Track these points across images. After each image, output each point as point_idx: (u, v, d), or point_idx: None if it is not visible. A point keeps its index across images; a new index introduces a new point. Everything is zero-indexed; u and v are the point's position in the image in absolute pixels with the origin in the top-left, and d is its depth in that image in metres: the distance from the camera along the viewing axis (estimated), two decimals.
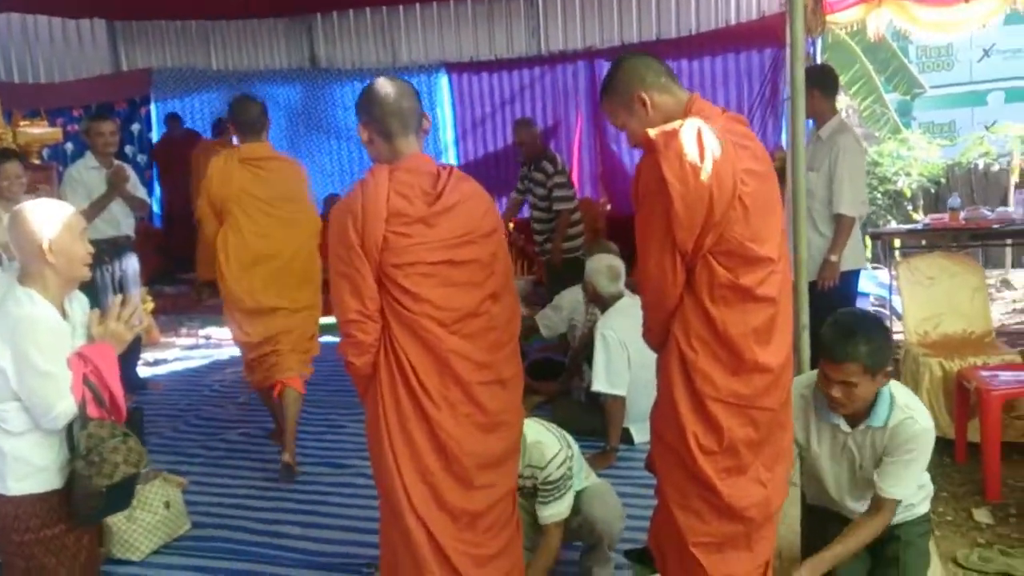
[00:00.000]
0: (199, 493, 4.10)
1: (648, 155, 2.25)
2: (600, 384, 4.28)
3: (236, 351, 6.60)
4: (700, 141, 2.19)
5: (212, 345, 7.04)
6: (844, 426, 2.74)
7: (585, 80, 8.48)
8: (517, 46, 9.04)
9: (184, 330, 7.28)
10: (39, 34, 10.47)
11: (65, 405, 2.35)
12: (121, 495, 2.52)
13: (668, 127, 2.25)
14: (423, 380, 2.40)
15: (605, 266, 4.54)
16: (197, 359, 6.68)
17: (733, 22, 8.15)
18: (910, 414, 2.68)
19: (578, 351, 4.99)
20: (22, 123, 6.74)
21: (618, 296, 4.49)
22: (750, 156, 2.28)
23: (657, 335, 2.42)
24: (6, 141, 6.09)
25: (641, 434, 4.26)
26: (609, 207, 8.55)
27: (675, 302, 2.30)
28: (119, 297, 2.60)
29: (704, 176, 2.16)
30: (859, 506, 2.81)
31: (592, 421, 4.41)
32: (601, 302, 4.56)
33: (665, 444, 2.41)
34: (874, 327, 2.66)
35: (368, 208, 2.35)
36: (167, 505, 3.63)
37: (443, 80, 9.03)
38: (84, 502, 2.43)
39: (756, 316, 2.29)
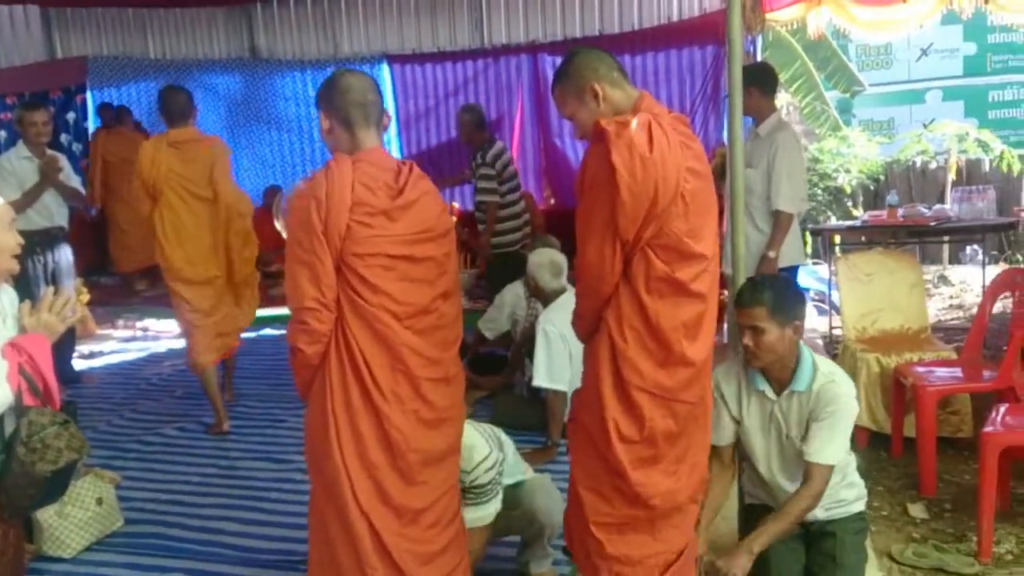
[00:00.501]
0: (133, 489, 4.01)
1: (597, 144, 2.29)
2: (541, 379, 4.30)
3: (174, 344, 6.54)
4: (650, 134, 2.26)
5: (150, 338, 6.91)
6: (770, 393, 2.84)
7: (528, 74, 8.47)
8: (460, 39, 8.99)
9: (121, 322, 7.12)
10: None
11: (2, 394, 2.29)
12: (57, 484, 2.46)
13: (620, 118, 2.31)
14: (375, 373, 2.40)
15: (547, 260, 4.55)
16: (134, 352, 6.55)
17: (675, 18, 8.21)
18: (832, 378, 2.81)
19: (520, 345, 5.00)
20: None
21: (560, 291, 4.51)
22: (693, 156, 2.36)
23: (588, 323, 2.48)
24: None
25: None
26: (552, 201, 8.57)
27: (611, 290, 2.36)
28: (51, 288, 2.54)
29: (651, 168, 2.23)
30: (792, 487, 2.87)
31: (533, 416, 4.42)
32: (543, 297, 4.57)
33: (582, 429, 2.49)
34: (780, 280, 2.90)
35: (333, 195, 2.33)
36: (99, 501, 3.55)
37: (385, 71, 8.93)
38: (21, 491, 2.36)
39: (687, 310, 2.36)
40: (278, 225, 6.93)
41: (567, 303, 4.27)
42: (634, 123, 2.27)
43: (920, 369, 4.29)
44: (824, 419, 2.76)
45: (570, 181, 8.38)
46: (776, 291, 2.75)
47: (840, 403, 2.77)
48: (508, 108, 8.56)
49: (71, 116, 9.45)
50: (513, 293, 5.14)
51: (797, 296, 2.85)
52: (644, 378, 2.35)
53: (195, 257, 4.64)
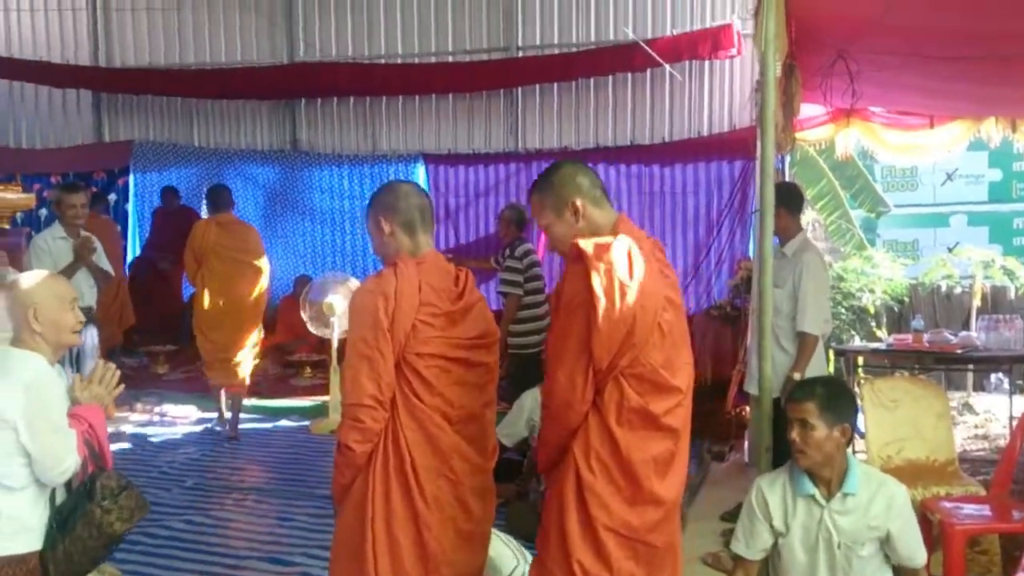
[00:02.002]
0: None
1: (575, 265, 2.23)
2: None
3: (190, 429, 6.54)
4: (630, 261, 2.21)
5: (167, 423, 6.88)
6: (820, 498, 2.74)
7: None
8: (495, 142, 9.23)
9: (139, 405, 7.11)
10: (25, 100, 10.56)
11: (72, 459, 2.46)
12: (116, 544, 2.61)
13: (600, 240, 2.25)
14: (420, 476, 2.37)
15: None
16: (150, 437, 6.51)
17: (705, 133, 8.40)
18: (884, 480, 2.79)
19: (537, 452, 4.92)
20: None
21: None
22: (670, 285, 2.33)
23: (552, 452, 2.33)
24: None
25: None
26: None
27: (579, 419, 2.24)
28: (101, 361, 2.70)
29: (631, 296, 2.17)
30: None
31: None
32: None
33: (544, 569, 2.32)
34: (836, 381, 2.96)
35: (403, 293, 2.37)
36: None
37: (420, 169, 9.14)
38: (88, 553, 2.49)
39: (658, 445, 2.26)
40: (304, 316, 7.00)
41: None
42: (615, 247, 2.22)
43: (948, 505, 4.15)
44: (905, 518, 2.73)
45: None
46: (829, 389, 2.75)
47: (907, 501, 2.75)
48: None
49: (112, 197, 9.71)
50: (532, 398, 5.08)
51: (849, 400, 2.82)
52: (612, 516, 2.22)
53: (223, 308, 6.39)
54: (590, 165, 7.88)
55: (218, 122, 10.11)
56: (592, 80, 8.71)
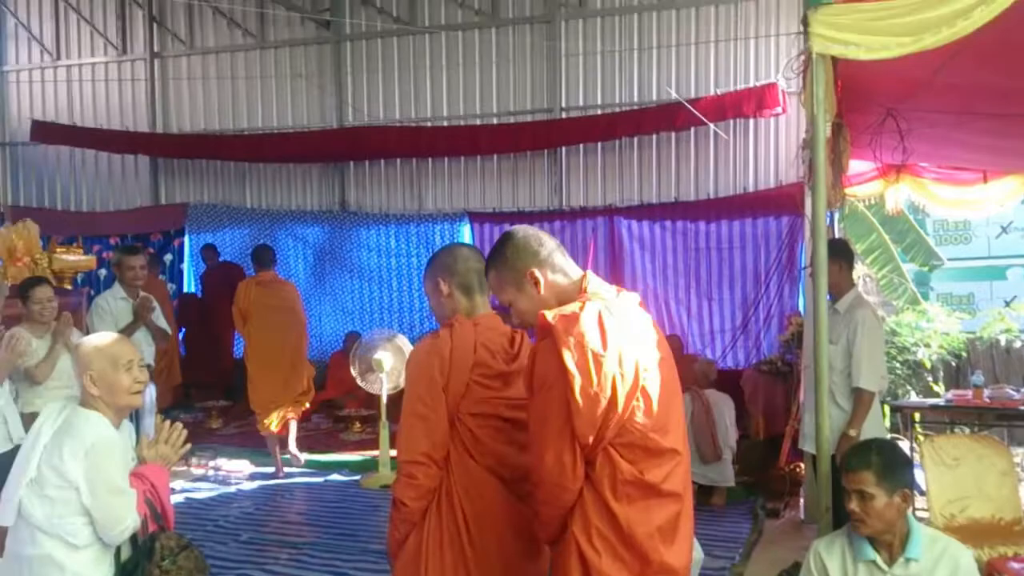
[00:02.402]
0: None
1: (544, 340, 2.11)
2: None
3: (244, 486, 6.59)
4: (602, 327, 2.08)
5: (221, 479, 6.95)
6: (881, 563, 2.68)
7: (603, 235, 8.71)
8: (540, 200, 9.35)
9: (195, 460, 7.20)
10: (86, 166, 10.99)
11: (132, 519, 2.49)
12: None
13: (567, 310, 2.12)
14: (473, 535, 2.36)
15: None
16: (205, 491, 6.57)
17: (751, 189, 8.42)
18: (947, 543, 2.72)
19: None
20: (58, 250, 6.95)
21: None
22: (645, 341, 2.18)
23: (553, 531, 2.21)
24: (41, 267, 6.27)
25: None
26: None
27: (574, 497, 2.12)
28: (166, 421, 2.71)
29: (608, 366, 2.04)
30: None
31: None
32: None
33: None
34: (888, 445, 2.85)
35: (457, 354, 2.38)
36: None
37: (465, 228, 9.29)
38: None
39: (661, 513, 2.13)
40: (353, 371, 7.07)
41: None
42: (583, 317, 2.08)
43: (1015, 565, 4.02)
44: None
45: None
46: (884, 456, 2.69)
47: (972, 565, 2.69)
48: (583, 268, 8.72)
49: (168, 258, 9.98)
50: None
51: (905, 462, 2.78)
52: None
53: (269, 362, 6.94)
54: (635, 221, 7.99)
55: (270, 184, 10.39)
56: (636, 139, 8.82)
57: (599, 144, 9.01)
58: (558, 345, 2.05)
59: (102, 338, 2.70)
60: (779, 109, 7.87)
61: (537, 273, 2.23)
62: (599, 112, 8.98)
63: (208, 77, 10.47)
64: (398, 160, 9.85)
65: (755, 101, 7.82)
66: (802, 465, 5.79)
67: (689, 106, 7.51)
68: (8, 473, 3.72)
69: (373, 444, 7.15)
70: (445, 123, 9.66)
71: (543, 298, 2.22)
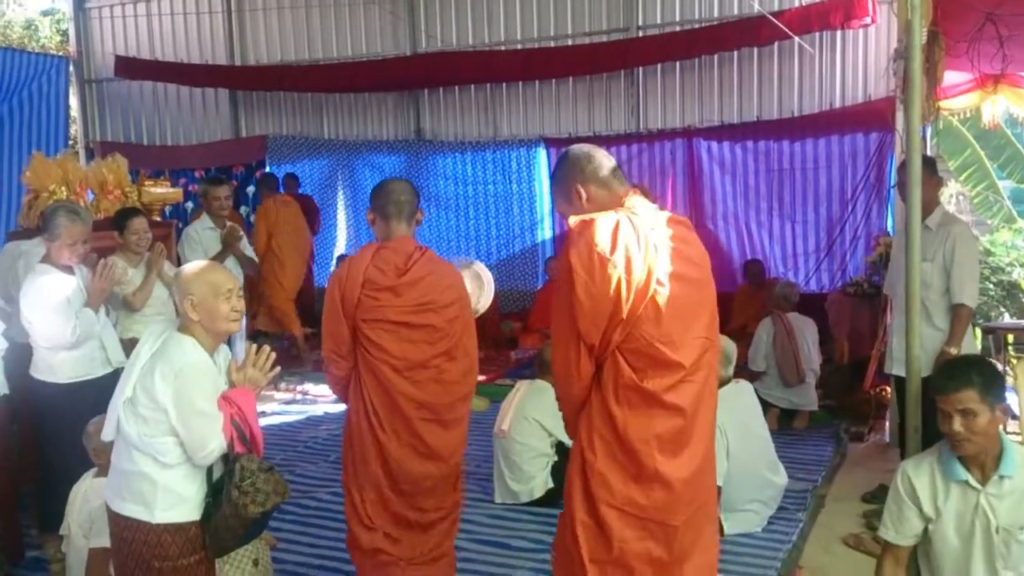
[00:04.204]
0: (287, 552, 4.16)
1: (565, 243, 2.30)
2: None
3: (332, 408, 6.80)
4: (615, 234, 2.19)
5: (308, 401, 7.19)
6: (974, 482, 2.64)
7: (682, 158, 8.52)
8: (616, 123, 9.17)
9: (283, 385, 7.45)
10: (168, 101, 11.22)
11: (217, 442, 2.56)
12: (259, 525, 2.70)
13: (587, 217, 2.26)
14: (378, 411, 3.05)
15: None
16: (293, 414, 6.81)
17: (837, 105, 8.08)
18: None
19: None
20: (147, 183, 7.15)
21: (726, 381, 4.36)
22: (680, 258, 2.26)
23: (572, 430, 2.39)
24: (132, 199, 6.48)
25: (734, 525, 4.14)
26: None
27: (581, 395, 2.28)
28: (254, 346, 2.76)
29: (612, 268, 2.15)
30: None
31: None
32: None
33: (562, 548, 2.38)
34: (983, 361, 2.78)
35: (350, 276, 3.03)
36: (255, 563, 3.65)
37: (541, 153, 9.21)
38: (230, 531, 2.59)
39: (661, 423, 2.22)
40: None
41: (728, 395, 4.16)
42: (598, 222, 2.21)
43: None
44: None
45: (721, 265, 8.31)
46: (983, 372, 2.61)
47: None
48: (661, 191, 8.60)
49: (250, 190, 10.20)
50: None
51: (999, 377, 2.70)
52: (613, 494, 2.23)
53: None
54: (715, 143, 7.79)
55: (346, 115, 10.46)
56: (715, 57, 8.52)
57: (677, 63, 8.74)
58: (569, 246, 2.23)
59: (204, 266, 2.75)
60: (868, 19, 7.45)
61: (581, 188, 2.38)
62: (677, 29, 8.69)
63: (283, 7, 10.48)
64: (472, 87, 9.75)
65: (843, 11, 7.41)
66: (888, 388, 5.67)
67: (773, 19, 7.18)
68: (108, 392, 3.99)
69: None
70: (519, 47, 9.50)
71: (586, 210, 2.35)
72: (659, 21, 8.83)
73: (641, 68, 8.89)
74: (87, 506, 3.38)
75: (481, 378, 5.43)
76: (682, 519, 2.26)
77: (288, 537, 4.31)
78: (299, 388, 7.45)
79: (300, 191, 9.64)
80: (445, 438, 3.12)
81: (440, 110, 10.03)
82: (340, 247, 10.24)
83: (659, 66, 8.83)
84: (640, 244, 2.19)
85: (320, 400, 7.16)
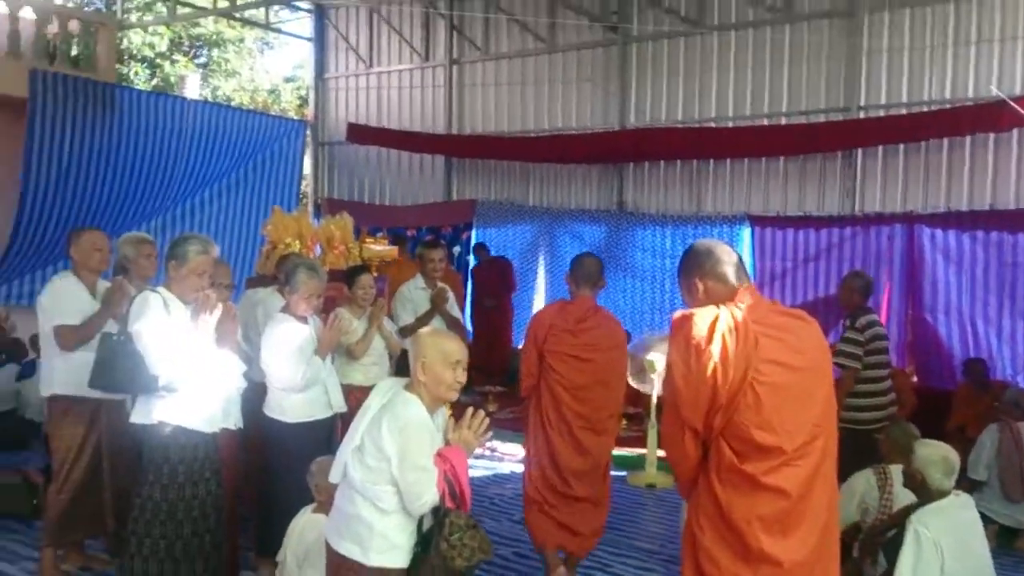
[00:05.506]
0: None
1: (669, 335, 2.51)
2: None
3: (517, 467, 6.87)
4: (713, 326, 2.33)
5: (496, 458, 7.31)
6: None
7: (901, 245, 8.05)
8: (829, 204, 8.88)
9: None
10: (390, 164, 12.06)
11: (431, 495, 2.71)
12: None
13: (690, 311, 2.43)
14: (550, 417, 4.21)
15: (940, 457, 4.09)
16: (480, 470, 6.92)
17: None
18: None
19: (872, 536, 4.55)
20: (368, 240, 7.66)
21: (945, 493, 4.04)
22: (783, 348, 2.36)
23: (683, 492, 2.57)
24: (354, 255, 6.95)
25: None
26: (915, 379, 7.91)
27: (689, 475, 2.46)
28: (470, 409, 2.89)
29: (707, 358, 2.29)
30: None
31: None
32: (924, 495, 4.11)
33: None
34: None
35: (542, 318, 4.34)
36: None
37: (745, 232, 9.01)
38: None
39: (764, 505, 2.31)
40: (629, 379, 7.14)
41: (948, 509, 3.87)
42: (698, 315, 2.38)
43: None
44: None
45: (939, 360, 7.75)
46: None
47: None
48: (875, 278, 8.16)
49: (456, 250, 10.68)
50: (865, 481, 4.73)
51: None
52: (721, 570, 2.34)
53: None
54: (939, 230, 7.31)
55: (551, 183, 10.78)
56: (944, 140, 8.10)
57: (900, 145, 8.38)
58: (671, 338, 2.44)
59: (442, 334, 2.96)
60: None
61: (699, 282, 2.55)
62: (903, 111, 8.35)
63: (500, 83, 11.06)
64: (678, 161, 9.79)
65: None
66: None
67: (1015, 105, 6.74)
68: (325, 434, 4.25)
69: (639, 442, 7.19)
70: (730, 123, 9.46)
71: (702, 303, 2.51)
72: (883, 101, 8.52)
73: (860, 149, 8.58)
74: (304, 539, 3.62)
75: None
76: None
77: None
78: (487, 444, 7.59)
79: (491, 254, 10.09)
80: (596, 441, 4.23)
81: (644, 182, 10.13)
82: (539, 306, 10.48)
83: (880, 147, 8.49)
84: (738, 335, 2.31)
85: (507, 459, 7.27)
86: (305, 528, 3.67)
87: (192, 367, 3.61)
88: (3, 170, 9.30)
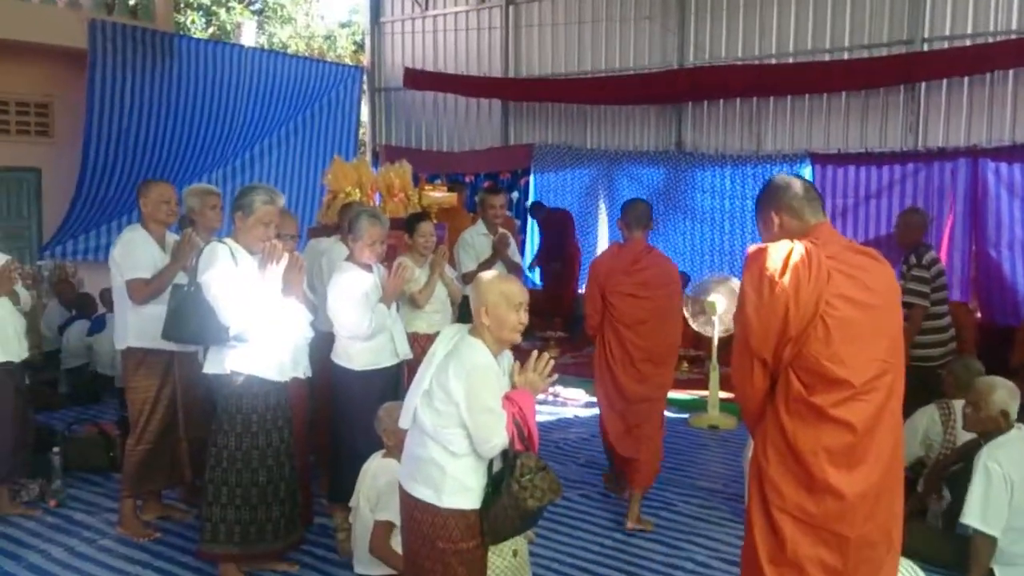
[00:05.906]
0: (542, 547, 4.42)
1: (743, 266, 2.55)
2: (973, 518, 3.91)
3: (581, 413, 7.06)
4: (787, 259, 2.35)
5: (559, 403, 7.48)
6: None
7: (965, 180, 7.90)
8: (891, 140, 8.70)
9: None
10: (447, 109, 12.08)
11: (500, 438, 2.79)
12: (533, 519, 2.91)
13: (764, 244, 2.46)
14: (613, 351, 4.67)
15: (1009, 389, 4.14)
16: (544, 415, 7.07)
17: None
18: None
19: (936, 471, 4.61)
20: (426, 187, 7.78)
21: (1011, 426, 4.08)
22: (855, 284, 2.37)
23: (749, 425, 2.61)
24: (413, 203, 7.07)
25: None
26: (979, 315, 7.81)
27: (756, 407, 2.49)
28: (535, 352, 2.96)
29: (779, 290, 2.31)
30: None
31: (947, 551, 4.07)
32: (994, 428, 4.14)
33: (746, 548, 2.54)
34: None
35: (601, 262, 4.82)
36: (515, 553, 3.90)
37: (807, 169, 8.90)
38: (509, 520, 2.81)
39: (830, 437, 2.35)
40: (685, 312, 7.20)
41: (1015, 441, 3.91)
42: (772, 248, 2.39)
43: None
44: None
45: (1003, 295, 7.63)
46: None
47: None
48: (938, 214, 8.04)
49: (514, 195, 10.75)
50: (928, 416, 4.78)
51: None
52: (785, 500, 2.39)
53: None
54: (1004, 164, 7.15)
55: (609, 125, 10.72)
56: (1011, 71, 7.83)
57: (964, 78, 8.13)
58: (745, 270, 2.45)
59: (502, 277, 3.01)
60: None
61: (775, 215, 2.57)
62: (968, 43, 8.08)
63: (556, 22, 10.95)
64: (737, 100, 9.65)
65: None
66: None
67: None
68: (392, 382, 4.41)
69: (701, 384, 7.28)
70: (791, 59, 9.28)
71: (777, 237, 2.52)
72: (948, 33, 8.26)
73: (924, 83, 8.36)
74: (375, 483, 3.79)
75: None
76: (857, 532, 2.36)
77: (541, 533, 4.55)
78: (551, 390, 7.77)
79: (553, 207, 10.16)
80: (655, 371, 4.69)
81: (703, 122, 10.02)
82: (602, 248, 10.53)
83: (944, 81, 8.26)
84: (812, 269, 2.33)
85: (571, 403, 7.43)
86: (377, 473, 3.81)
87: (261, 317, 3.71)
88: (66, 122, 9.45)
